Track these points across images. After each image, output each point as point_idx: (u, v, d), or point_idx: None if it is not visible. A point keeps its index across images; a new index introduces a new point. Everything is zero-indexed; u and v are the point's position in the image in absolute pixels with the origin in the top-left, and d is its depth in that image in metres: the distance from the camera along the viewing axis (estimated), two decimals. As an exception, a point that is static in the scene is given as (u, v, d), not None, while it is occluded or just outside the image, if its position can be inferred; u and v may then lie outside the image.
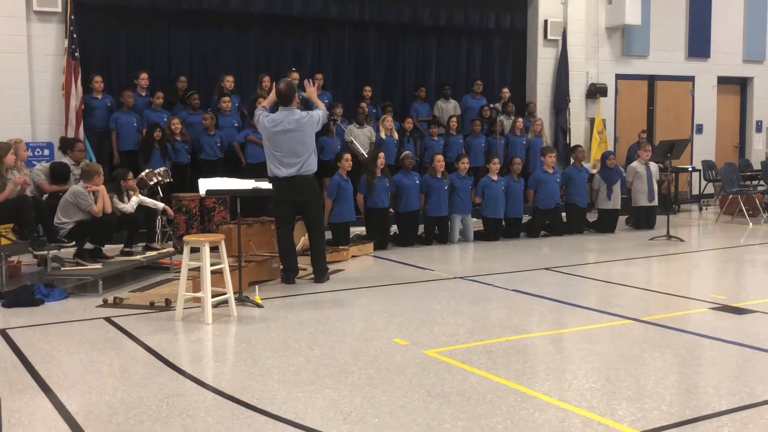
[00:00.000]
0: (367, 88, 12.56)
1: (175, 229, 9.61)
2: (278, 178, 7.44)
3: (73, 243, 7.96)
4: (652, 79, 15.53)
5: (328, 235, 9.08)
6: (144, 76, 11.06)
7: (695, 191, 15.45)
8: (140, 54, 11.70)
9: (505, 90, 13.62)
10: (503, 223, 10.83)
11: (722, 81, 16.23)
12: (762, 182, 14.25)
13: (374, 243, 9.70)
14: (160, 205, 9.18)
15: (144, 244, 9.15)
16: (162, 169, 9.78)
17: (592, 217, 11.67)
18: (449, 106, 13.30)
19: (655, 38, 15.22)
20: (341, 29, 13.10)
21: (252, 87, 11.75)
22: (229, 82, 11.28)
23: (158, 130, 10.18)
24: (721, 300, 6.82)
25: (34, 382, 4.71)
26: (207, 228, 9.69)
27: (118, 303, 6.84)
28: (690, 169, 14.71)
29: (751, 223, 12.05)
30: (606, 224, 11.39)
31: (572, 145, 12.82)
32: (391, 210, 10.23)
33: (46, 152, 10.37)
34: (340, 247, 9.21)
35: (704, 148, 16.03)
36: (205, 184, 7.03)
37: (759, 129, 16.85)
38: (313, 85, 8.03)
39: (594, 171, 12.22)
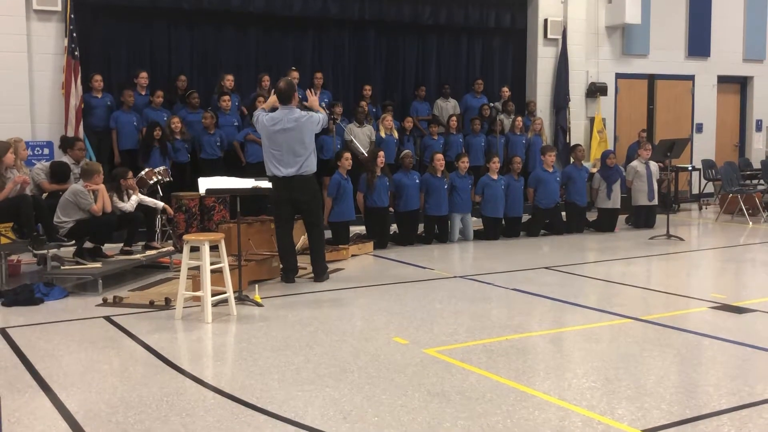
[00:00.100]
0: (367, 87, 12.55)
1: (175, 228, 9.61)
2: (277, 178, 7.44)
3: (73, 242, 7.96)
4: (652, 78, 15.52)
5: (328, 234, 9.07)
6: (144, 75, 11.06)
7: (695, 190, 15.42)
8: (140, 53, 11.70)
9: (505, 89, 13.60)
10: (503, 222, 10.83)
11: (722, 80, 16.22)
12: (762, 181, 14.26)
13: (374, 242, 9.70)
14: (160, 204, 9.18)
15: (144, 243, 9.17)
16: (162, 168, 9.77)
17: (592, 216, 11.66)
18: (449, 105, 13.29)
19: (655, 37, 15.20)
20: (341, 28, 13.09)
21: (252, 86, 11.76)
22: (229, 81, 11.27)
23: (158, 129, 10.17)
24: (721, 299, 6.82)
25: (33, 381, 4.71)
26: (207, 227, 9.70)
27: (117, 302, 6.83)
28: (690, 168, 14.70)
29: (750, 223, 12.05)
30: (606, 223, 11.38)
31: (572, 144, 12.80)
32: (391, 209, 10.22)
33: (46, 151, 10.37)
34: (340, 246, 9.20)
35: (704, 148, 16.01)
36: (205, 183, 7.02)
37: (759, 128, 16.83)
38: (315, 94, 7.99)
39: (594, 170, 12.22)
